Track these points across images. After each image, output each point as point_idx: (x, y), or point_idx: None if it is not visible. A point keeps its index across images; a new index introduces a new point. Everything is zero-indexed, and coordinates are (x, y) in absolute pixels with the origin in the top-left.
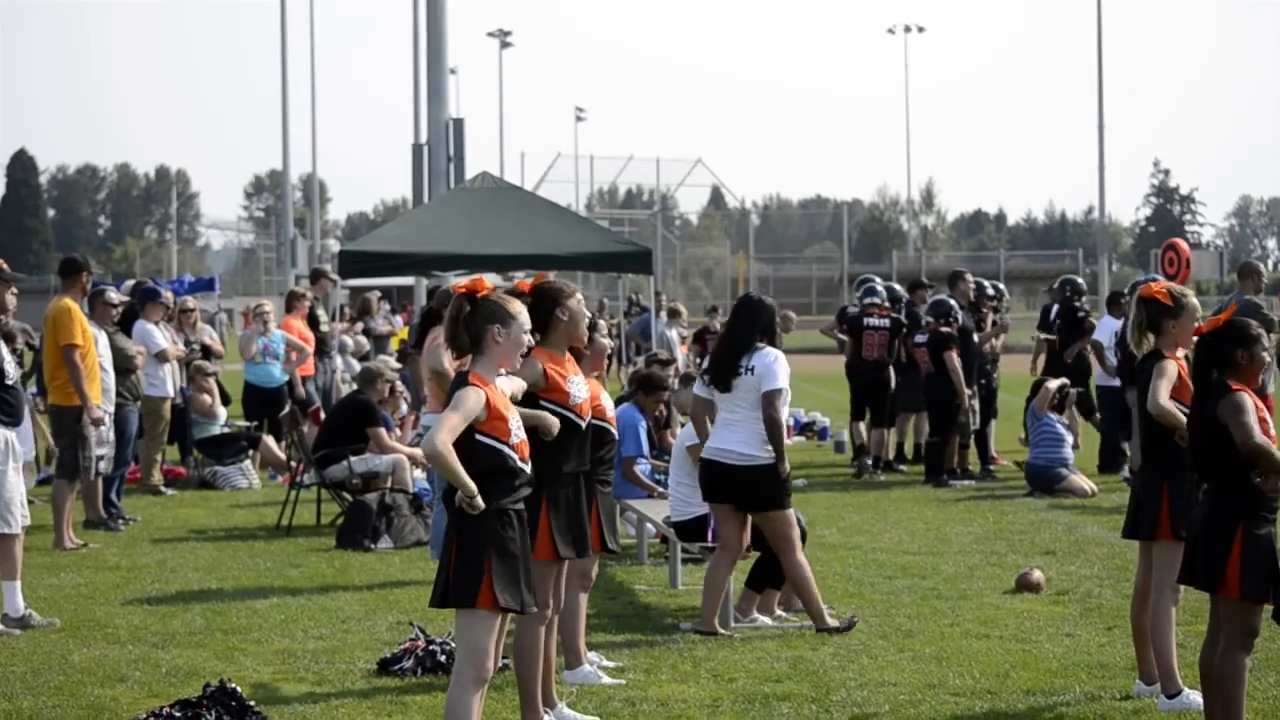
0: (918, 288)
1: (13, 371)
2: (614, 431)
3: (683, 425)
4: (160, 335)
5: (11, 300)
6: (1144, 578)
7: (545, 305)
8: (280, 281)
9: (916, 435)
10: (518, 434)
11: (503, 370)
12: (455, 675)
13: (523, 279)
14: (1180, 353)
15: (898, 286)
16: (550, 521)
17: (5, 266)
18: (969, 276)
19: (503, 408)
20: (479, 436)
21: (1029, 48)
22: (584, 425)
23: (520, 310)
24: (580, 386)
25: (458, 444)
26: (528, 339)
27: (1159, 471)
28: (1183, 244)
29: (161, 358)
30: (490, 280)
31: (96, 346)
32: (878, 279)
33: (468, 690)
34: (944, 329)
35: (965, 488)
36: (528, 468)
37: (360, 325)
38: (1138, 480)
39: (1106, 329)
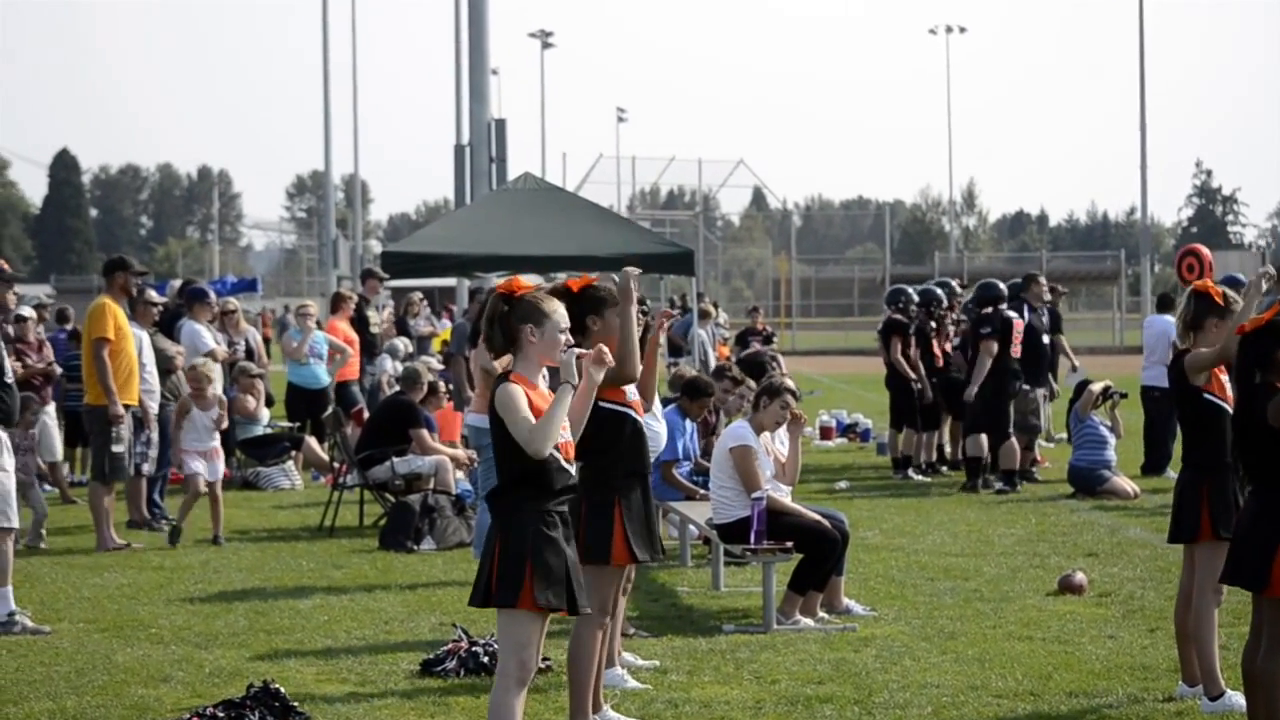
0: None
1: (10, 370)
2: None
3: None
4: (209, 336)
5: (12, 300)
6: (1188, 579)
7: (580, 311)
8: (322, 282)
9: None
10: (562, 434)
11: (545, 369)
12: (498, 675)
13: (569, 278)
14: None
15: (939, 290)
16: (625, 526)
17: (6, 267)
18: (1042, 279)
19: (544, 407)
20: None
21: (1071, 48)
22: (641, 421)
23: (555, 309)
24: (630, 387)
25: (506, 447)
26: (565, 337)
27: (1199, 472)
28: (1203, 249)
29: (211, 358)
30: (531, 281)
31: (139, 348)
32: (909, 288)
33: (510, 690)
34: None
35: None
36: (573, 469)
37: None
38: (1178, 481)
39: (1156, 328)
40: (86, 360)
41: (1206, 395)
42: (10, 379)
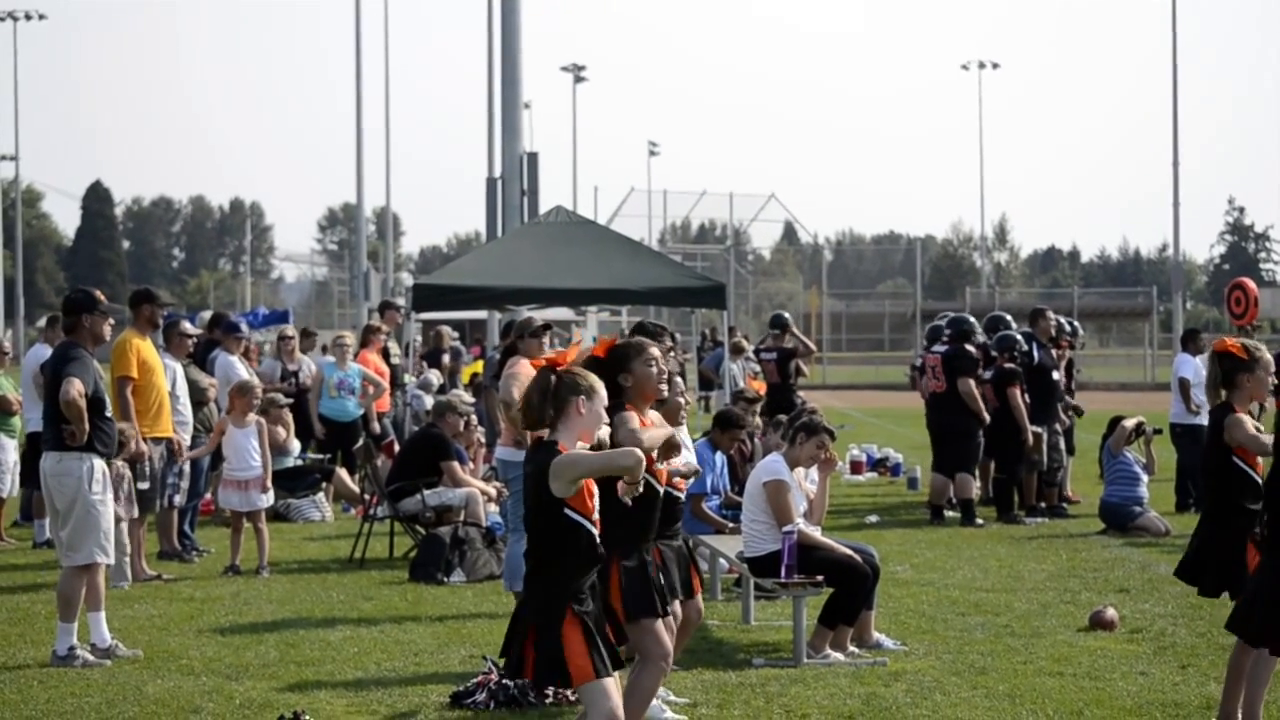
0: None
1: (109, 406)
2: (683, 499)
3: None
4: (242, 368)
5: (108, 331)
6: None
7: (612, 369)
8: (354, 314)
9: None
10: (598, 510)
11: (581, 442)
12: None
13: (601, 338)
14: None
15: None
16: (621, 581)
17: (103, 299)
18: (1050, 314)
19: (590, 482)
20: (568, 512)
21: (1103, 84)
22: (661, 491)
23: (600, 384)
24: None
25: (550, 520)
26: (605, 415)
27: (1224, 526)
28: (1250, 283)
29: None
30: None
31: (172, 379)
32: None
33: None
34: (1008, 365)
35: (1038, 525)
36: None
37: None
38: (1200, 531)
39: (1187, 366)
40: (112, 397)
41: (1236, 459)
42: (109, 412)
